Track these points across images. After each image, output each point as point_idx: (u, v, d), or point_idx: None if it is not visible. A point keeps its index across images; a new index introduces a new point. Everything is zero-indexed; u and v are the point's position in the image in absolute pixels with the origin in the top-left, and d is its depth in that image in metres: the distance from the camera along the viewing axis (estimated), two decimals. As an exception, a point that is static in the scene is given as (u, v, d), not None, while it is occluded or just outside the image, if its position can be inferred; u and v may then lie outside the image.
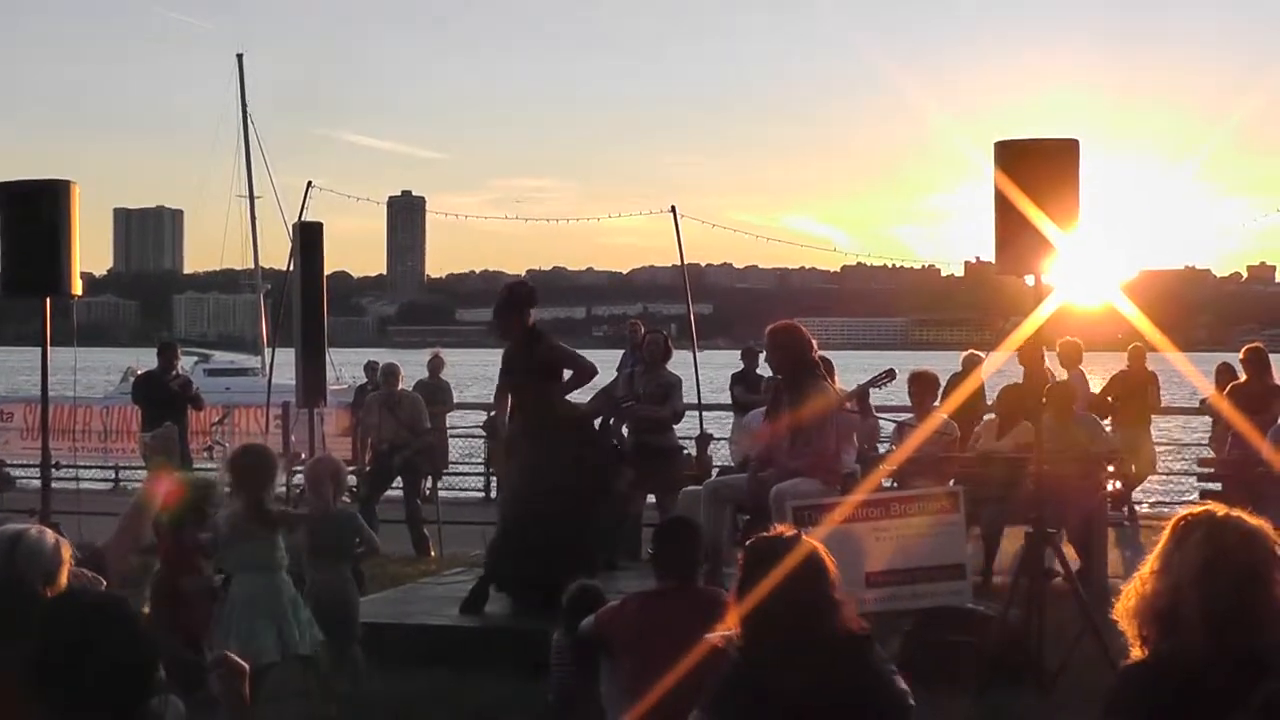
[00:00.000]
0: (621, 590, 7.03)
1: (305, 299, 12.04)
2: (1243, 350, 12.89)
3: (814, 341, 9.35)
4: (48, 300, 8.61)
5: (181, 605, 6.90)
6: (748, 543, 4.28)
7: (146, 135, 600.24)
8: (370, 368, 17.05)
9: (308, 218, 14.24)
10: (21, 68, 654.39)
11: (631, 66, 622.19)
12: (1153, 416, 16.05)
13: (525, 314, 9.50)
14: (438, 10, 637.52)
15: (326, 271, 12.61)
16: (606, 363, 14.24)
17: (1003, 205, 7.62)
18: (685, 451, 13.45)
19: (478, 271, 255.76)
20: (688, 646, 4.80)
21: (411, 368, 16.08)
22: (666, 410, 12.31)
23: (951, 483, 9.16)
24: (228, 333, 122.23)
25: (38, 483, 10.17)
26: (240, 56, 50.45)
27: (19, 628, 2.90)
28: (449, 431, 17.83)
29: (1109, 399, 15.35)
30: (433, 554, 13.03)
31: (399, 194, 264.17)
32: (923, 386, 11.51)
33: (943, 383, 12.40)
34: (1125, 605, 3.21)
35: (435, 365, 16.80)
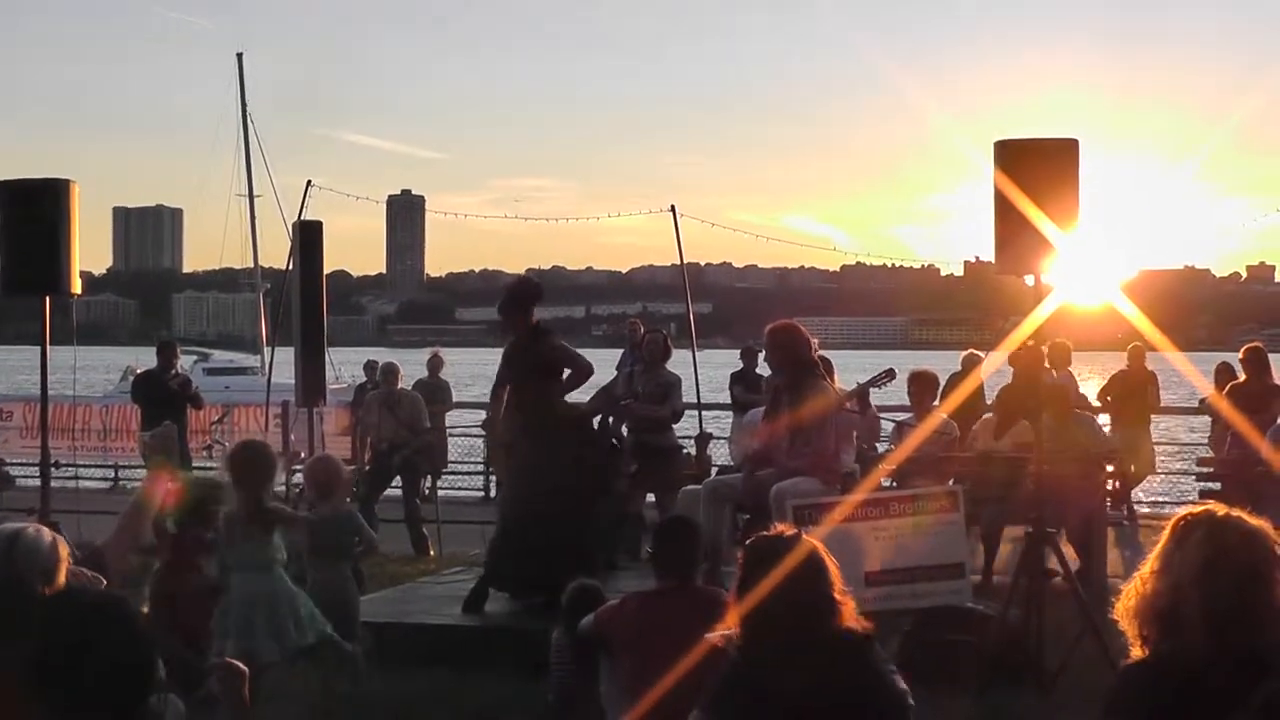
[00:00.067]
0: (621, 590, 7.03)
1: (305, 298, 12.05)
2: (1242, 350, 12.89)
3: (814, 341, 9.35)
4: (47, 299, 8.61)
5: (181, 605, 6.90)
6: (748, 542, 4.28)
7: (146, 135, 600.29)
8: (370, 367, 17.06)
9: (307, 217, 14.25)
10: (21, 68, 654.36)
11: (631, 66, 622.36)
12: (1152, 416, 16.05)
13: (529, 311, 9.49)
14: (438, 10, 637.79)
15: (326, 270, 12.63)
16: (606, 362, 14.25)
17: (1002, 205, 7.61)
18: (685, 451, 13.45)
19: (477, 271, 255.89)
20: (687, 646, 4.80)
21: (411, 367, 16.09)
22: (666, 409, 12.31)
23: (951, 482, 9.16)
24: (227, 332, 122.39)
25: (37, 481, 10.17)
26: (240, 56, 50.46)
27: (18, 627, 2.90)
28: (448, 431, 17.82)
29: (1108, 398, 15.37)
30: (432, 553, 13.02)
31: (399, 193, 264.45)
32: (922, 386, 11.51)
33: (942, 382, 12.40)
34: (1125, 605, 3.21)
35: (435, 364, 16.80)
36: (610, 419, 11.11)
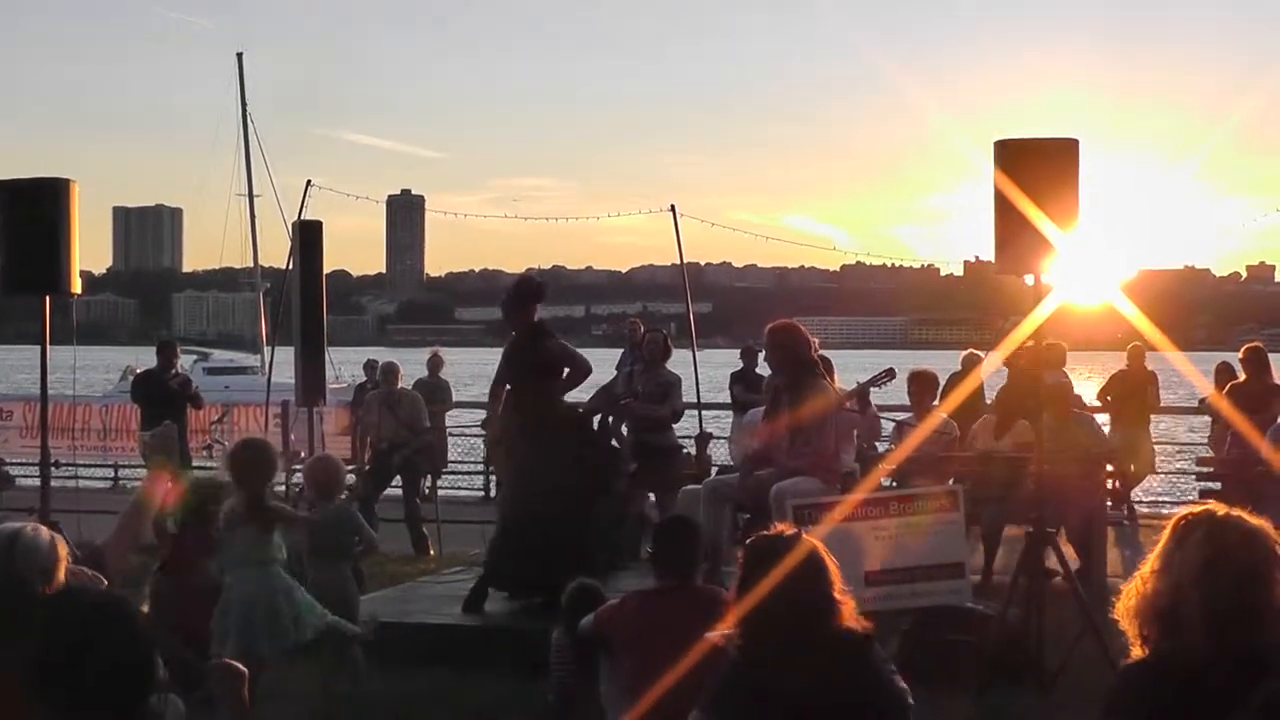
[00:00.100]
0: (621, 589, 7.03)
1: (304, 297, 12.05)
2: (1242, 350, 12.89)
3: (813, 340, 9.35)
4: (47, 298, 8.61)
5: (181, 605, 6.90)
6: (748, 541, 4.27)
7: (146, 135, 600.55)
8: (370, 366, 17.05)
9: (307, 216, 14.24)
10: (21, 68, 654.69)
11: (631, 66, 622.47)
12: (1152, 416, 16.05)
13: (531, 309, 9.48)
14: (438, 10, 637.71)
15: (326, 270, 12.63)
16: (606, 361, 14.25)
17: (1002, 205, 7.61)
18: (685, 450, 13.45)
19: (477, 270, 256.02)
20: (687, 645, 4.80)
21: (411, 366, 16.08)
22: (666, 409, 12.31)
23: (951, 482, 9.15)
24: (227, 331, 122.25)
25: (37, 481, 10.17)
26: (240, 56, 50.47)
27: (19, 627, 2.90)
28: (448, 430, 17.82)
29: (1108, 398, 15.37)
30: (432, 553, 13.02)
31: (398, 193, 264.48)
32: (922, 386, 11.52)
33: (942, 382, 12.40)
34: (1125, 605, 3.21)
35: (434, 364, 16.79)
36: (610, 418, 11.10)
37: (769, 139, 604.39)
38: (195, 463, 14.96)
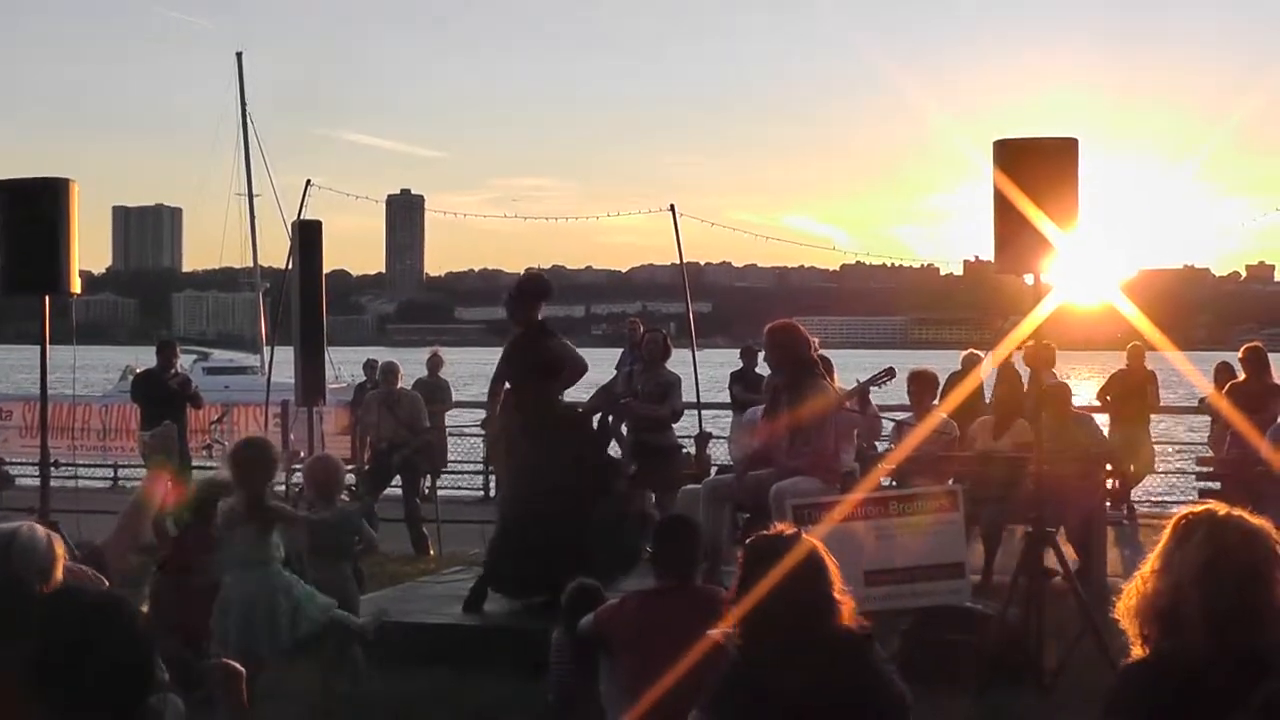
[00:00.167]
0: (621, 589, 7.02)
1: (304, 297, 12.05)
2: (1242, 349, 12.89)
3: (813, 340, 9.34)
4: (47, 298, 8.61)
5: (181, 605, 6.90)
6: (748, 541, 4.27)
7: (146, 135, 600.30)
8: (369, 366, 17.05)
9: (307, 216, 14.23)
10: (21, 68, 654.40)
11: (631, 66, 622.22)
12: (1152, 416, 16.06)
13: (536, 307, 9.45)
14: (438, 10, 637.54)
15: (325, 270, 12.63)
16: (605, 361, 14.27)
17: (1002, 204, 7.61)
18: (684, 450, 13.45)
19: (477, 270, 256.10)
20: (687, 645, 4.79)
21: (410, 366, 16.08)
22: (665, 409, 12.31)
23: (951, 482, 9.15)
24: (227, 331, 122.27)
25: (37, 481, 10.17)
26: (240, 55, 50.56)
27: (18, 627, 2.89)
28: (448, 430, 17.82)
29: (1107, 398, 15.38)
30: (431, 553, 13.02)
31: (398, 193, 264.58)
32: (922, 385, 11.51)
33: (942, 382, 12.40)
34: (1126, 604, 3.21)
35: (434, 364, 16.79)
36: (610, 418, 11.09)
37: (769, 139, 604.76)
38: (195, 463, 14.95)
